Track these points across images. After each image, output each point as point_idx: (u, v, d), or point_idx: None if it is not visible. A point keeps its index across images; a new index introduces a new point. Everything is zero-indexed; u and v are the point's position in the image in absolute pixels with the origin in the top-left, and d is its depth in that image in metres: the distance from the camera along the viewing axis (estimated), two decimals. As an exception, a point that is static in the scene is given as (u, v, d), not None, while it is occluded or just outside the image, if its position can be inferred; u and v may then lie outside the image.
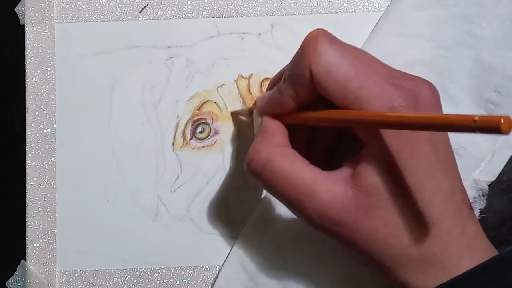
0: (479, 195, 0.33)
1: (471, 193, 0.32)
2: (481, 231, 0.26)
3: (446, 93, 0.32)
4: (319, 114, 0.26)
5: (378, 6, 0.35)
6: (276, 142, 0.27)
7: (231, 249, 0.33)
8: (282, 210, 0.33)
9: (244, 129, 0.34)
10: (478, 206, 0.33)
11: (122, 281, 0.33)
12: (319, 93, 0.25)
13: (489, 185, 0.33)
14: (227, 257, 0.33)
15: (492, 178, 0.33)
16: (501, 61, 0.32)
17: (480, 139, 0.32)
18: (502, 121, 0.18)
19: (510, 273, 0.23)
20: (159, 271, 0.33)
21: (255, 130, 0.29)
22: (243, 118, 0.34)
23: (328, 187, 0.25)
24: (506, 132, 0.18)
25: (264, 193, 0.34)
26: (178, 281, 0.33)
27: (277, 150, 0.27)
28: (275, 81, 0.30)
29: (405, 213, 0.24)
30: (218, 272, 0.33)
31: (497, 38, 0.33)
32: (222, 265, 0.33)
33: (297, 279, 0.32)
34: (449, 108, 0.32)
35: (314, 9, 0.35)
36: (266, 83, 0.34)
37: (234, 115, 0.34)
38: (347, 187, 0.25)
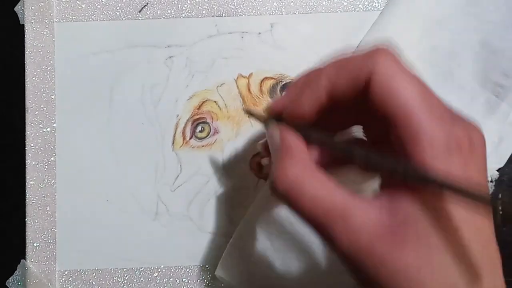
0: (489, 181, 0.33)
1: None
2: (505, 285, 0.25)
3: (453, 75, 0.32)
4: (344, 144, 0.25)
5: (378, 5, 0.35)
6: (301, 161, 0.25)
7: (235, 230, 0.33)
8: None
9: (244, 128, 0.34)
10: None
11: (122, 280, 0.33)
12: (354, 99, 0.24)
13: (497, 171, 0.33)
14: (231, 239, 0.33)
15: (501, 164, 0.33)
16: (508, 45, 0.32)
17: (487, 120, 0.32)
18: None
19: None
20: (159, 270, 0.33)
21: (270, 143, 0.28)
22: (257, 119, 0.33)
23: (361, 212, 0.23)
24: None
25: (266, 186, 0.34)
26: (178, 281, 0.33)
27: (304, 171, 0.25)
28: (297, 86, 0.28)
29: (442, 252, 0.23)
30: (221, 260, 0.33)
31: (505, 22, 0.33)
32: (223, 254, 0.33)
33: (301, 258, 0.32)
34: (456, 90, 0.32)
35: (313, 8, 0.35)
36: (266, 82, 0.34)
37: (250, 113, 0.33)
38: (383, 213, 0.23)
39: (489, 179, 0.33)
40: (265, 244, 0.33)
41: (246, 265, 0.32)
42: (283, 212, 0.33)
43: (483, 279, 0.23)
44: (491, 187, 0.33)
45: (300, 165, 0.25)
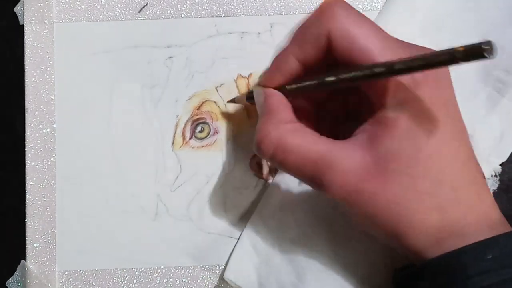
0: (491, 175, 0.33)
1: (484, 172, 0.32)
2: (494, 201, 0.26)
3: (454, 71, 0.32)
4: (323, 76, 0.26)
5: (377, 5, 0.35)
6: (283, 119, 0.26)
7: (242, 232, 0.33)
8: (293, 193, 0.33)
9: (244, 129, 0.34)
10: (491, 186, 0.33)
11: (122, 280, 0.33)
12: (324, 56, 0.26)
13: (500, 165, 0.33)
14: (238, 240, 0.33)
15: (503, 159, 0.33)
16: (509, 41, 0.32)
17: (488, 117, 0.32)
18: (482, 44, 0.19)
19: None
20: (159, 270, 0.33)
21: (258, 109, 0.29)
22: (240, 104, 0.34)
23: (345, 156, 0.25)
24: (490, 55, 0.19)
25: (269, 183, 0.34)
26: (178, 281, 0.33)
27: (286, 128, 0.26)
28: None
29: (425, 178, 0.24)
30: (230, 256, 0.33)
31: (504, 18, 0.33)
32: (233, 248, 0.33)
33: (310, 260, 0.32)
34: (456, 86, 0.32)
35: (313, 8, 0.35)
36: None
37: (230, 108, 0.34)
38: (365, 153, 0.25)
39: (493, 173, 0.33)
40: (275, 248, 0.33)
41: (257, 270, 0.32)
42: (289, 215, 0.33)
43: (460, 190, 0.24)
44: (495, 181, 0.33)
45: (282, 124, 0.26)
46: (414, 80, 0.24)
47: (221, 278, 0.33)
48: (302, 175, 0.26)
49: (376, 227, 0.26)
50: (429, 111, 0.24)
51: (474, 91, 0.32)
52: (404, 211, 0.24)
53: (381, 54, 0.24)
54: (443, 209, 0.24)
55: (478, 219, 0.24)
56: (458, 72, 0.32)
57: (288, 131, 0.26)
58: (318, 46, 0.25)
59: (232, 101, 0.34)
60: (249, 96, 0.31)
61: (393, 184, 0.24)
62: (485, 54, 0.19)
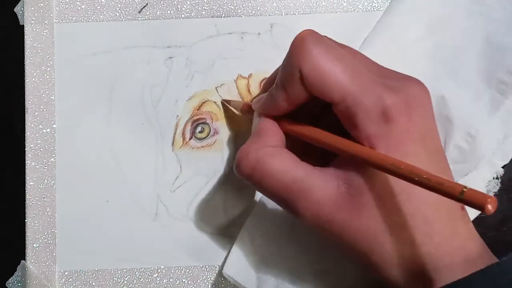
0: (493, 178, 0.33)
1: (486, 175, 0.32)
2: (475, 233, 0.26)
3: (458, 74, 0.32)
4: (310, 133, 0.26)
5: (378, 6, 0.35)
6: (267, 143, 0.27)
7: (242, 227, 0.33)
8: None
9: (244, 129, 0.34)
10: (492, 188, 0.33)
11: (122, 281, 0.33)
12: (311, 94, 0.25)
13: (502, 167, 0.33)
14: (237, 236, 0.33)
15: (506, 161, 0.33)
16: None
17: (491, 119, 0.32)
18: (488, 199, 0.18)
19: (506, 280, 0.23)
20: (159, 271, 0.33)
21: (252, 132, 0.29)
22: (234, 111, 0.34)
23: (320, 185, 0.25)
24: (489, 212, 0.18)
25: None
26: (178, 281, 0.33)
27: (266, 151, 0.26)
28: (270, 82, 0.30)
29: (397, 212, 0.24)
30: (229, 251, 0.33)
31: (509, 20, 0.33)
32: (233, 244, 0.33)
33: (309, 257, 0.32)
34: (461, 88, 0.32)
35: (313, 9, 0.35)
36: (266, 83, 0.34)
37: (225, 105, 0.34)
38: (340, 184, 0.25)
39: (495, 175, 0.33)
40: (274, 244, 0.33)
41: (256, 266, 0.32)
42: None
43: (433, 223, 0.24)
44: (496, 184, 0.33)
45: (263, 146, 0.26)
46: (387, 114, 0.24)
47: (221, 276, 0.33)
48: (277, 198, 0.26)
49: (350, 257, 0.26)
50: (402, 146, 0.24)
51: (477, 93, 0.32)
52: (376, 244, 0.25)
53: (350, 93, 0.24)
54: (415, 243, 0.24)
55: (452, 252, 0.24)
56: (461, 73, 0.33)
57: (267, 154, 0.26)
58: (297, 87, 0.25)
59: (227, 102, 0.34)
60: (245, 109, 0.31)
61: (365, 217, 0.24)
62: (485, 211, 0.18)
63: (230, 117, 0.34)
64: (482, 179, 0.32)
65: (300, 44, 0.25)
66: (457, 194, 0.19)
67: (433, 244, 0.24)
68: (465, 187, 0.19)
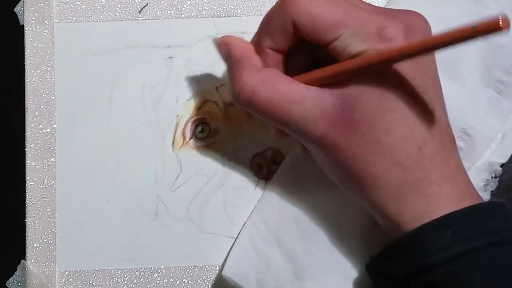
0: (492, 177, 0.33)
1: (484, 175, 0.32)
2: (463, 166, 0.26)
3: (455, 73, 0.32)
4: (317, 73, 0.26)
5: (377, 5, 0.35)
6: (253, 66, 0.27)
7: (242, 228, 0.33)
8: (292, 192, 0.33)
9: (244, 128, 0.34)
10: (490, 188, 0.33)
11: (122, 281, 0.33)
12: (298, 39, 0.26)
13: (501, 166, 0.33)
14: (237, 237, 0.33)
15: (504, 159, 0.33)
16: (510, 42, 0.32)
17: (488, 117, 0.32)
18: (500, 17, 0.19)
19: (493, 221, 0.24)
20: (159, 271, 0.33)
21: (224, 60, 0.29)
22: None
23: (316, 102, 0.25)
24: (506, 29, 0.19)
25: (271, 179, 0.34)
26: (178, 281, 0.33)
27: (258, 78, 0.26)
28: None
29: (389, 133, 0.24)
30: (228, 252, 0.33)
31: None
32: (232, 245, 0.33)
33: (309, 259, 0.32)
34: (458, 87, 0.32)
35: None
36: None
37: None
38: (335, 100, 0.25)
39: (493, 175, 0.33)
40: (274, 246, 0.32)
41: (256, 268, 0.32)
42: (288, 214, 0.33)
43: (424, 149, 0.24)
44: (495, 183, 0.33)
45: (253, 72, 0.26)
46: (385, 35, 0.24)
47: (221, 276, 0.33)
48: (276, 121, 0.27)
49: (340, 178, 0.27)
50: (400, 69, 0.24)
51: (475, 92, 0.32)
52: (365, 164, 0.25)
53: (346, 26, 0.24)
54: (404, 166, 0.24)
55: (439, 180, 0.25)
56: (459, 72, 0.33)
57: (260, 82, 0.26)
58: (286, 35, 0.26)
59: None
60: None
61: (356, 134, 0.25)
62: (502, 29, 0.19)
63: (230, 118, 0.34)
64: (480, 179, 0.32)
65: None
66: (471, 31, 0.20)
67: (422, 171, 0.24)
68: (474, 24, 0.19)
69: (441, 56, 0.32)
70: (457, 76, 0.33)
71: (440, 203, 0.24)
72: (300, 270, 0.32)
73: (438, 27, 0.33)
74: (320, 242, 0.32)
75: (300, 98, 0.26)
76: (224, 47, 0.28)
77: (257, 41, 0.27)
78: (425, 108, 0.25)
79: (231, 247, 0.33)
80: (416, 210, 0.24)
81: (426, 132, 0.25)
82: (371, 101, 0.24)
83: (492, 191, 0.33)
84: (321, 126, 0.25)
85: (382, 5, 0.35)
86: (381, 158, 0.25)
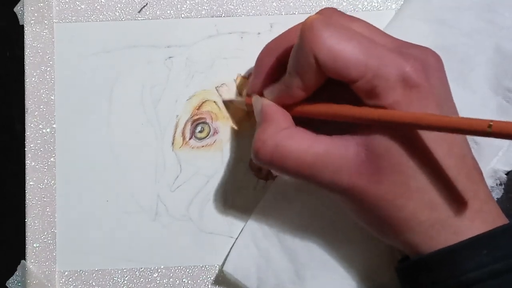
0: (497, 184, 0.33)
1: (488, 182, 0.32)
2: (491, 196, 0.26)
3: (465, 80, 0.32)
4: (326, 108, 0.26)
5: (377, 5, 0.35)
6: (279, 126, 0.27)
7: (244, 226, 0.33)
8: (294, 190, 0.33)
9: (244, 128, 0.34)
10: (495, 195, 0.33)
11: (122, 281, 0.33)
12: (327, 77, 0.26)
13: (506, 174, 0.33)
14: (239, 234, 0.33)
15: (510, 167, 0.33)
16: None
17: None
18: None
19: None
20: (159, 270, 0.33)
21: (256, 117, 0.29)
22: (239, 106, 0.34)
23: (340, 154, 0.25)
24: None
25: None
26: (178, 281, 0.33)
27: (281, 134, 0.26)
28: (258, 67, 0.30)
29: (417, 176, 0.24)
30: (230, 249, 0.33)
31: None
32: (234, 242, 0.33)
33: (310, 257, 0.32)
34: (468, 94, 0.32)
35: (313, 8, 0.35)
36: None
37: (228, 104, 0.34)
38: (360, 149, 0.25)
39: (498, 182, 0.33)
40: (276, 244, 0.33)
41: (257, 265, 0.32)
42: (291, 212, 0.33)
43: (454, 187, 0.25)
44: (500, 190, 0.33)
45: (277, 131, 0.27)
46: (408, 80, 0.24)
47: (221, 276, 0.33)
48: (300, 177, 0.27)
49: (369, 224, 0.27)
50: (425, 111, 0.24)
51: (484, 100, 0.32)
52: (395, 208, 0.25)
53: (367, 66, 0.24)
54: (434, 206, 0.25)
55: (471, 215, 0.25)
56: (468, 79, 0.33)
57: (284, 137, 0.26)
58: (313, 73, 0.25)
59: (230, 102, 0.34)
60: (250, 104, 0.31)
61: (384, 181, 0.25)
62: None
63: (233, 114, 0.34)
64: None
65: (310, 30, 0.25)
66: (486, 128, 0.19)
67: (452, 208, 0.25)
68: (491, 121, 0.19)
69: (452, 64, 0.33)
70: (468, 84, 0.32)
71: (472, 235, 0.24)
72: (301, 269, 0.32)
73: (451, 33, 0.33)
74: (320, 241, 0.32)
75: (324, 151, 0.26)
76: (258, 105, 0.29)
77: (288, 84, 0.27)
78: (451, 146, 0.25)
79: (233, 243, 0.33)
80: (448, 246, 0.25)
81: (454, 170, 0.25)
82: (396, 147, 0.24)
83: (497, 198, 0.33)
84: (346, 177, 0.25)
85: (384, 6, 0.35)
86: (411, 201, 0.25)
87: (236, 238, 0.33)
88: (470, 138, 0.32)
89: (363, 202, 0.25)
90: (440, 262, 0.24)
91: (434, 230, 0.25)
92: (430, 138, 0.24)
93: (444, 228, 0.25)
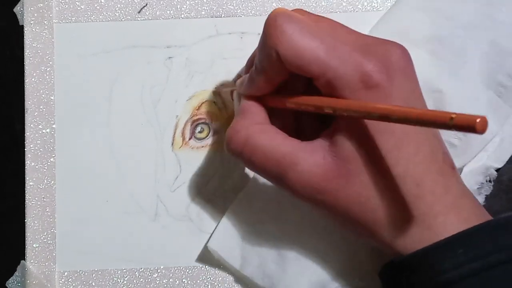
0: (486, 181, 0.33)
1: (479, 178, 0.32)
2: (467, 190, 0.26)
3: (458, 71, 0.32)
4: (296, 100, 0.26)
5: (377, 6, 0.35)
6: (254, 120, 0.27)
7: (230, 205, 0.33)
8: None
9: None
10: (485, 192, 0.33)
11: (121, 281, 0.33)
12: (291, 71, 0.26)
13: (498, 179, 0.33)
14: (225, 213, 0.33)
15: (500, 164, 0.33)
16: None
17: (489, 122, 0.32)
18: (478, 120, 0.18)
19: (505, 236, 0.24)
20: (159, 271, 0.33)
21: (235, 112, 0.29)
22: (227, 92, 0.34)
23: (307, 157, 0.25)
24: (480, 132, 0.18)
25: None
26: (177, 281, 0.33)
27: (255, 128, 0.27)
28: (250, 62, 0.30)
29: (386, 176, 0.25)
30: (216, 227, 0.33)
31: None
32: (220, 220, 0.33)
33: (294, 239, 0.32)
34: (459, 86, 0.32)
35: (312, 9, 0.35)
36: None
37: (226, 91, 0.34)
38: (326, 155, 0.25)
39: (488, 179, 0.33)
40: (259, 226, 0.33)
41: (241, 244, 0.33)
42: (276, 195, 0.33)
43: (423, 184, 0.24)
44: (489, 187, 0.33)
45: (252, 124, 0.27)
46: (368, 80, 0.24)
47: (221, 276, 0.33)
48: (267, 174, 0.27)
49: (342, 225, 0.27)
50: None
51: (475, 94, 0.32)
52: (367, 209, 0.25)
53: (329, 65, 0.24)
54: (406, 204, 0.25)
55: (445, 211, 0.25)
56: (462, 71, 0.33)
57: (256, 131, 0.27)
58: (276, 67, 0.26)
59: (219, 93, 0.34)
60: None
61: (354, 184, 0.25)
62: (476, 131, 0.18)
63: (229, 118, 0.34)
64: (475, 182, 0.32)
65: (273, 24, 0.25)
66: (447, 121, 0.19)
67: (425, 204, 0.25)
68: (454, 113, 0.19)
69: (446, 55, 0.33)
70: (460, 76, 0.32)
71: (447, 231, 0.24)
72: (284, 250, 0.32)
73: (447, 24, 0.33)
74: (305, 224, 0.32)
75: (292, 150, 0.26)
76: (237, 99, 0.29)
77: (251, 75, 0.28)
78: (418, 144, 0.25)
79: (219, 222, 0.33)
80: (423, 244, 0.24)
81: (422, 167, 0.25)
82: (363, 150, 0.25)
83: (486, 195, 0.33)
84: (315, 181, 0.25)
85: (384, 6, 0.35)
86: (383, 201, 0.25)
87: (222, 217, 0.33)
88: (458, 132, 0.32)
89: (336, 205, 0.25)
90: (417, 263, 0.24)
91: (409, 228, 0.25)
92: (396, 137, 0.24)
93: (418, 225, 0.25)
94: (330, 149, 0.25)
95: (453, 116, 0.19)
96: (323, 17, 0.27)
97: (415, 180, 0.25)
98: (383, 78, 0.24)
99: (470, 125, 0.18)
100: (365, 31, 0.34)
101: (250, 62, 0.31)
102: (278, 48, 0.25)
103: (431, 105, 0.32)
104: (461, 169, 0.32)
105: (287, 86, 0.28)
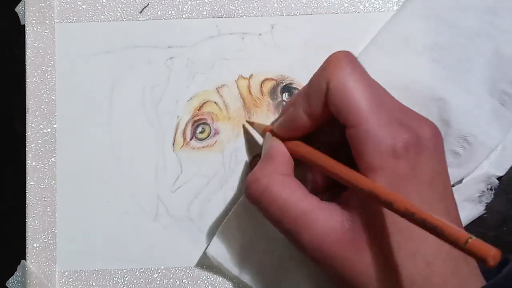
0: (488, 189, 0.33)
1: (480, 186, 0.32)
2: (477, 271, 0.25)
3: (462, 80, 0.32)
4: (315, 157, 0.26)
5: (379, 7, 0.35)
6: (278, 170, 0.27)
7: (230, 212, 0.33)
8: None
9: (245, 130, 0.34)
10: (485, 200, 0.33)
11: (122, 281, 0.33)
12: (331, 115, 0.25)
13: (498, 179, 0.33)
14: (225, 219, 0.33)
15: (502, 172, 0.33)
16: None
17: (490, 128, 0.32)
18: (491, 253, 0.18)
19: None
20: (159, 271, 0.33)
21: (263, 152, 0.29)
22: (252, 132, 0.34)
23: (325, 220, 0.25)
24: (491, 265, 0.18)
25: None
26: (178, 281, 0.33)
27: (277, 178, 0.26)
28: (287, 106, 0.31)
29: (398, 251, 0.24)
30: (216, 232, 0.33)
31: None
32: (220, 226, 0.33)
33: (294, 248, 0.32)
34: (463, 95, 0.32)
35: (314, 10, 0.35)
36: (266, 84, 0.34)
37: (245, 127, 0.34)
38: (344, 219, 0.25)
39: (489, 187, 0.33)
40: (260, 231, 0.33)
41: (240, 250, 0.32)
42: None
43: (434, 265, 0.24)
44: (490, 195, 0.33)
45: (275, 173, 0.27)
46: (396, 150, 0.24)
47: (221, 276, 0.33)
48: (281, 227, 0.27)
49: None
50: (405, 184, 0.24)
51: (479, 101, 0.32)
52: (375, 283, 0.25)
53: (367, 120, 0.24)
54: (414, 284, 0.24)
55: None
56: (465, 79, 0.33)
57: (277, 182, 0.26)
58: (321, 99, 0.25)
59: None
60: (266, 131, 0.31)
61: (366, 255, 0.24)
62: (487, 264, 0.18)
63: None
64: (476, 190, 0.32)
65: (335, 61, 0.25)
66: (461, 243, 0.19)
67: (432, 286, 0.24)
68: (471, 236, 0.18)
69: (449, 63, 0.33)
70: (464, 84, 0.33)
71: None
72: (283, 257, 0.32)
73: (450, 32, 0.33)
74: None
75: (311, 210, 0.25)
76: (267, 142, 0.29)
77: (295, 102, 0.27)
78: (432, 224, 0.25)
79: (219, 228, 0.33)
80: None
81: (434, 247, 0.24)
82: (379, 222, 0.24)
83: (487, 203, 0.33)
84: (329, 244, 0.25)
85: (385, 7, 0.35)
86: (391, 277, 0.24)
87: (222, 223, 0.33)
88: (462, 137, 0.32)
89: (344, 272, 0.25)
90: None
91: None
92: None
93: None
94: (347, 215, 0.25)
95: (470, 240, 0.18)
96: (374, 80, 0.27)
97: (425, 260, 0.24)
98: (411, 152, 0.24)
99: (483, 256, 0.18)
100: (367, 33, 0.34)
101: (288, 105, 0.30)
102: (330, 81, 0.25)
103: (434, 113, 0.32)
104: (464, 179, 0.32)
105: (322, 137, 0.28)
